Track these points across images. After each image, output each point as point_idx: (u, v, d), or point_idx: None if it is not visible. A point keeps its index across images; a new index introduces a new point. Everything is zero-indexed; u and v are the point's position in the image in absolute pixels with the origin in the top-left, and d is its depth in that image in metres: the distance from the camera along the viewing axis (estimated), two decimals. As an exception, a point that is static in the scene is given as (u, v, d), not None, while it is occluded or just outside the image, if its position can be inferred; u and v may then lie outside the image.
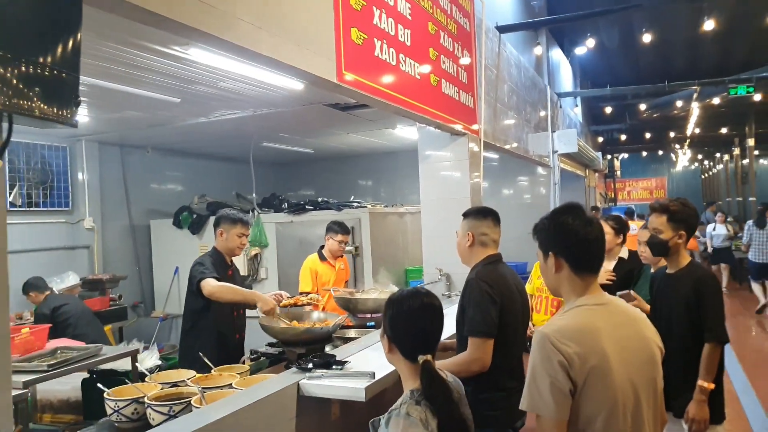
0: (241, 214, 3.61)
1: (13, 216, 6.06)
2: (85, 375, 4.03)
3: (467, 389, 2.48)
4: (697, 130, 16.63)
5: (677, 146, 21.30)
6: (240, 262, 6.80)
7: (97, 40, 3.33)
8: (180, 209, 7.38)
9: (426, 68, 3.99)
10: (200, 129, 6.25)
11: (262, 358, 3.43)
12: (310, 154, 8.77)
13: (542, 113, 8.88)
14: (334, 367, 2.58)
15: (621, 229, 3.82)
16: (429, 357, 1.66)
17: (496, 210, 2.71)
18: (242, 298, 3.29)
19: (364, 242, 6.28)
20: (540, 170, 9.31)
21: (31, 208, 6.24)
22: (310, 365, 2.53)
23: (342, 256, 5.14)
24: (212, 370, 2.87)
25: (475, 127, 5.03)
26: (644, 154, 23.74)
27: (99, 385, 2.70)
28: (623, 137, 19.10)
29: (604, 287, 3.69)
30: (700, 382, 2.64)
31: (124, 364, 4.06)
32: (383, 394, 2.56)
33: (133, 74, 4.05)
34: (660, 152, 23.47)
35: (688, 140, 19.39)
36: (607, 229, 3.81)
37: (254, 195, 7.25)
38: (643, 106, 14.58)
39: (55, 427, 3.93)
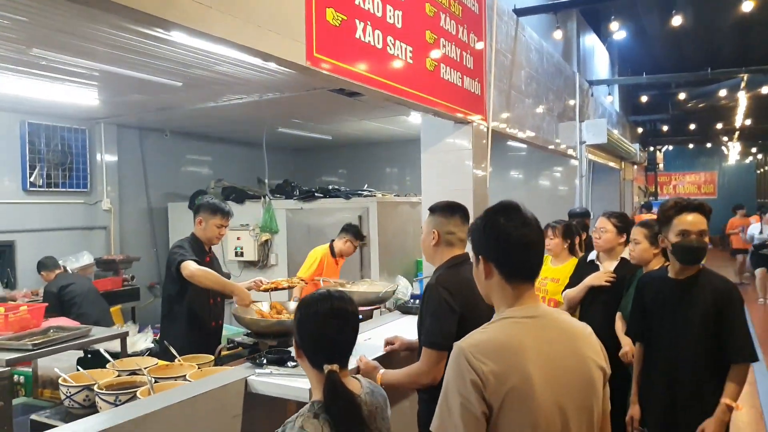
0: (222, 204, 3.55)
1: (33, 196, 6.22)
2: (81, 354, 4.13)
3: (423, 397, 2.37)
4: (748, 122, 15.73)
5: (726, 138, 20.25)
6: (250, 248, 6.82)
7: (90, 24, 3.31)
8: (196, 193, 7.43)
9: (421, 52, 3.82)
10: (211, 113, 6.28)
11: (240, 348, 3.38)
12: (329, 140, 8.68)
13: (570, 102, 8.53)
14: (288, 364, 2.48)
15: (624, 227, 3.57)
16: (335, 367, 1.54)
17: (464, 206, 2.54)
18: (221, 287, 3.24)
19: (371, 232, 6.16)
20: (572, 162, 8.96)
21: (51, 189, 6.37)
22: (265, 360, 2.45)
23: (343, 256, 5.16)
24: (176, 359, 2.83)
25: (480, 115, 4.82)
26: (691, 146, 22.70)
27: (78, 367, 2.71)
28: (665, 128, 18.25)
29: (603, 289, 3.54)
30: (726, 401, 2.41)
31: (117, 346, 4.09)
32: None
33: (130, 57, 4.04)
34: (708, 145, 22.37)
35: (737, 132, 18.40)
36: (608, 226, 3.58)
37: (266, 181, 7.22)
38: (683, 95, 13.85)
39: (54, 402, 4.01)
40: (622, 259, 3.58)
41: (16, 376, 3.54)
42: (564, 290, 3.77)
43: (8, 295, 5.56)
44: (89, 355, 4.26)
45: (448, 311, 2.23)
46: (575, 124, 8.46)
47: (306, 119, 7.08)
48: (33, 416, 2.51)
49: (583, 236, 4.59)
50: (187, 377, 2.48)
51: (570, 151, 8.33)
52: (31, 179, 6.16)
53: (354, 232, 4.97)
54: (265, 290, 3.47)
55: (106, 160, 6.96)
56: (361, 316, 3.92)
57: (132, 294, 6.57)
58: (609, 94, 12.27)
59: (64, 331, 3.73)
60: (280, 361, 2.45)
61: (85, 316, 5.23)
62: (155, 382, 2.45)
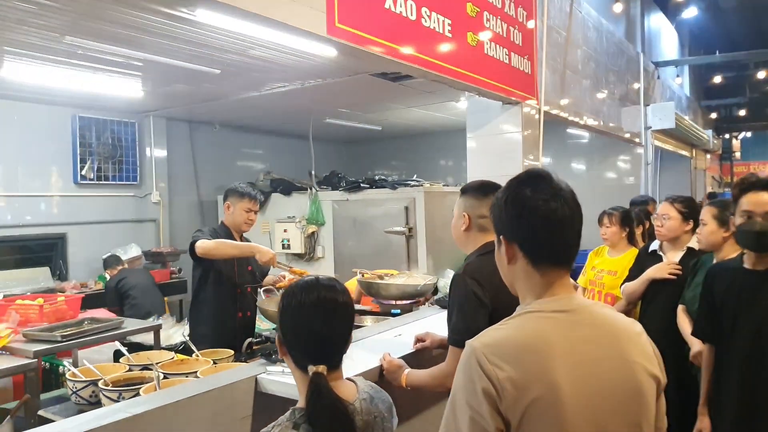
0: (250, 188, 3.39)
1: (84, 189, 6.33)
2: (117, 347, 4.11)
3: None
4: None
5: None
6: (297, 240, 6.70)
7: (115, 7, 3.23)
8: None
9: (461, 26, 3.52)
10: (257, 104, 6.20)
11: (269, 342, 3.21)
12: (379, 131, 8.47)
13: (634, 85, 7.94)
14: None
15: (691, 213, 3.16)
16: (320, 368, 1.31)
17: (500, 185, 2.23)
18: (239, 252, 3.13)
19: (418, 223, 5.90)
20: (638, 150, 8.35)
21: (101, 182, 6.46)
22: (277, 356, 2.24)
23: None
24: (194, 354, 2.68)
25: (531, 96, 4.47)
26: (772, 133, 21.06)
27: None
28: (742, 113, 16.90)
29: (666, 283, 3.15)
30: None
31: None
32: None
33: (164, 44, 3.97)
34: (793, 131, 20.66)
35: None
36: (672, 212, 3.18)
37: (313, 172, 7.08)
38: (762, 75, 12.72)
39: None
40: (689, 248, 3.17)
41: (61, 368, 3.53)
42: (622, 284, 3.40)
43: (58, 286, 5.66)
44: (126, 348, 4.25)
45: (477, 305, 1.95)
46: (639, 108, 7.88)
47: (352, 108, 6.89)
48: (40, 412, 2.42)
49: (647, 225, 4.16)
50: (198, 374, 2.31)
51: (635, 139, 7.76)
52: (83, 172, 6.26)
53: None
54: (281, 287, 3.27)
55: (155, 153, 7.02)
56: (399, 311, 3.68)
57: (179, 286, 6.59)
58: (678, 75, 11.42)
59: (97, 323, 3.69)
60: (296, 357, 2.24)
61: (138, 307, 5.35)
62: (164, 378, 2.30)
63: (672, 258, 3.21)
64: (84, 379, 2.32)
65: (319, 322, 1.35)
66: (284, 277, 3.47)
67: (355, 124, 7.71)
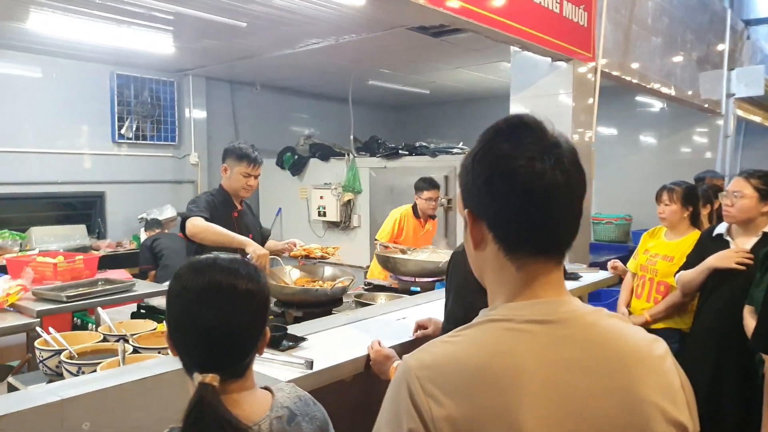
0: (249, 149, 3.06)
1: (122, 148, 6.27)
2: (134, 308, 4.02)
3: None
4: None
5: None
6: (333, 208, 6.42)
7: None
8: (284, 149, 7.16)
9: (501, -34, 3.04)
10: (295, 62, 5.92)
11: (271, 317, 2.96)
12: (427, 95, 8.01)
13: (718, 46, 7.07)
14: (284, 343, 1.98)
15: (771, 191, 2.62)
16: (210, 378, 0.98)
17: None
18: (228, 241, 2.73)
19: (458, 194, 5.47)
20: (717, 121, 7.49)
21: (139, 141, 6.37)
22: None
23: (434, 218, 4.63)
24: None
25: (586, 52, 3.92)
26: None
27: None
28: None
29: (733, 273, 2.64)
30: None
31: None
32: (344, 392, 1.92)
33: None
34: None
35: None
36: (747, 190, 2.65)
37: (351, 137, 6.74)
38: None
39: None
40: (765, 234, 2.64)
41: (90, 325, 3.47)
42: (678, 272, 2.91)
43: (93, 244, 5.65)
44: (143, 311, 4.14)
45: (477, 289, 1.57)
46: (722, 73, 7.02)
47: (394, 69, 6.46)
48: (10, 379, 2.24)
49: (716, 205, 3.60)
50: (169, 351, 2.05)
51: (715, 108, 6.95)
52: (121, 131, 6.19)
53: (422, 184, 4.34)
54: (295, 256, 2.98)
55: (194, 113, 6.87)
56: (418, 289, 3.34)
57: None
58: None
59: (110, 284, 3.57)
60: (272, 341, 1.94)
61: (168, 269, 5.34)
62: (134, 352, 2.06)
63: (742, 244, 2.69)
64: (48, 348, 2.11)
65: (209, 315, 1.02)
66: (295, 245, 3.18)
67: (400, 86, 7.28)
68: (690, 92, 6.28)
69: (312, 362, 1.74)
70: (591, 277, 3.59)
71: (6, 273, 3.58)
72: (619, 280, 3.57)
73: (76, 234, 5.61)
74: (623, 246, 7.14)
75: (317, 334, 2.20)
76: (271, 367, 1.76)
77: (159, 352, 2.07)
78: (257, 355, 1.12)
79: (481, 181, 0.86)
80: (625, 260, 3.60)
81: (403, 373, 0.80)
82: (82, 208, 6.17)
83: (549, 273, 0.86)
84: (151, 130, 6.49)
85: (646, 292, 3.16)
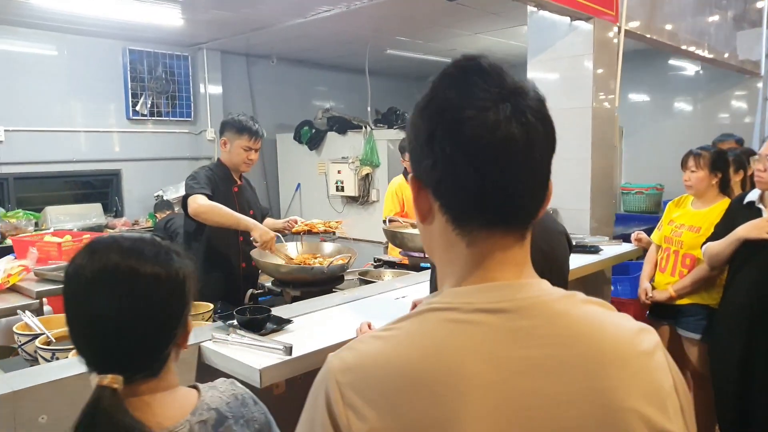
0: (249, 122, 2.93)
1: (137, 125, 6.22)
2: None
3: None
4: None
5: None
6: (350, 183, 6.28)
7: None
8: (301, 123, 7.02)
9: None
10: (306, 32, 5.75)
11: (270, 297, 2.85)
12: (446, 64, 7.70)
13: (757, 3, 6.60)
14: (268, 326, 1.86)
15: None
16: (108, 380, 0.86)
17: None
18: (234, 223, 2.66)
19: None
20: (757, 84, 7.03)
21: (154, 117, 6.31)
22: (235, 321, 1.84)
23: None
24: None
25: (608, 10, 3.64)
26: None
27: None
28: None
29: (765, 244, 2.41)
30: None
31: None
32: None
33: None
34: None
35: None
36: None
37: (369, 109, 6.55)
38: None
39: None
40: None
41: None
42: (705, 243, 2.70)
43: (109, 223, 5.65)
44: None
45: None
46: (761, 31, 6.56)
47: (412, 36, 6.22)
48: (-9, 364, 2.19)
49: (750, 171, 3.34)
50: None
51: (754, 70, 6.52)
52: (136, 108, 6.13)
53: (404, 144, 4.16)
54: (297, 232, 2.86)
55: (210, 89, 6.76)
56: (428, 265, 3.19)
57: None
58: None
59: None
60: (253, 323, 1.83)
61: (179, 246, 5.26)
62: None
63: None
64: (25, 333, 2.05)
65: (103, 303, 0.89)
66: (296, 222, 3.07)
67: (419, 55, 7.03)
68: (726, 53, 5.89)
69: (291, 347, 1.61)
70: (613, 250, 3.39)
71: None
72: (645, 252, 3.36)
73: (92, 213, 5.61)
74: (654, 217, 6.82)
75: (307, 316, 2.09)
76: (248, 353, 1.64)
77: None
78: (181, 349, 0.99)
79: (423, 138, 0.71)
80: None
81: (323, 376, 0.66)
82: (100, 187, 6.17)
83: (507, 249, 0.70)
84: (166, 106, 6.42)
85: (671, 265, 2.95)
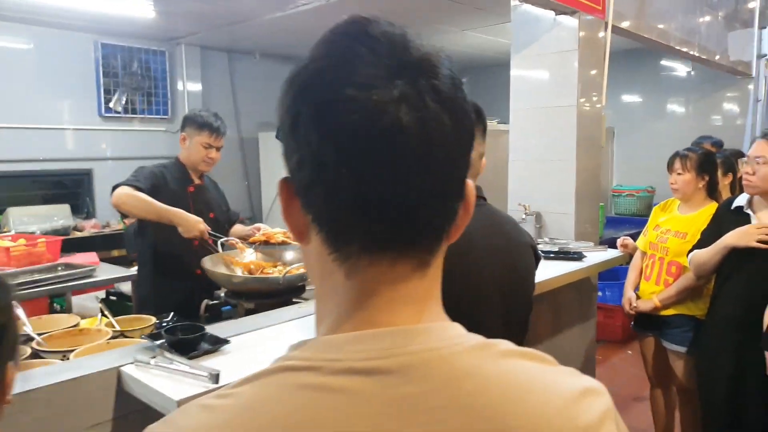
0: (212, 118, 2.73)
1: (110, 123, 6.00)
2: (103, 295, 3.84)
3: None
4: None
5: None
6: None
7: None
8: (283, 122, 6.82)
9: None
10: (287, 26, 5.55)
11: (230, 308, 2.65)
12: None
13: (748, 4, 6.46)
14: (200, 347, 1.65)
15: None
16: None
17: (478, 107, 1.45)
18: (156, 216, 2.41)
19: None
20: (748, 86, 6.89)
21: (128, 115, 6.09)
22: (163, 341, 1.64)
23: None
24: (97, 322, 2.15)
25: (594, 4, 3.46)
26: None
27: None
28: None
29: (755, 253, 2.23)
30: None
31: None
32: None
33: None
34: None
35: None
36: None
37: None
38: None
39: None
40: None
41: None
42: (691, 251, 2.52)
43: (78, 225, 5.43)
44: (112, 297, 3.91)
45: None
46: (752, 32, 6.43)
47: (395, 33, 6.04)
48: None
49: (738, 174, 3.16)
50: (70, 356, 1.74)
51: (745, 71, 6.37)
52: (109, 105, 5.91)
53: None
54: (253, 242, 2.64)
55: (188, 85, 6.55)
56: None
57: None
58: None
59: (71, 269, 3.34)
60: (183, 344, 1.62)
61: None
62: (35, 356, 1.78)
63: (765, 219, 2.28)
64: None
65: None
66: (258, 230, 2.86)
67: (405, 52, 6.85)
68: (717, 53, 5.73)
69: (218, 374, 1.41)
70: (597, 256, 3.20)
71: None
72: (632, 258, 3.19)
73: (59, 214, 5.37)
74: (645, 220, 6.69)
75: (258, 332, 1.89)
76: (170, 380, 1.44)
77: (63, 356, 1.78)
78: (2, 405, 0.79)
79: (287, 125, 0.52)
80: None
81: None
82: (72, 187, 5.94)
83: (399, 281, 0.51)
84: (142, 103, 6.20)
85: (656, 273, 2.77)
